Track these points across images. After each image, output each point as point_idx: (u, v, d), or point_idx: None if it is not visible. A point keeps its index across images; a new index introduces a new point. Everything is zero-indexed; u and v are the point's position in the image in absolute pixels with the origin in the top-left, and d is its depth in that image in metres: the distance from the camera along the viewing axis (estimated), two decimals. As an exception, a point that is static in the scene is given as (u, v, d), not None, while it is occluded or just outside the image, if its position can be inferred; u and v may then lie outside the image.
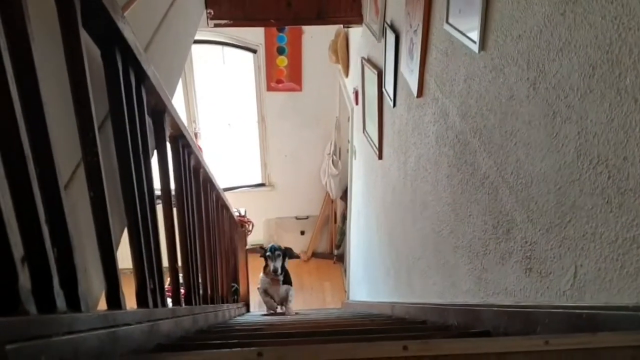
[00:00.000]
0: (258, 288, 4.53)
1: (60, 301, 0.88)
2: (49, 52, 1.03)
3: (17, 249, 0.75)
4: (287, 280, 4.52)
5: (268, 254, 4.34)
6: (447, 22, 1.89)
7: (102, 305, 1.24)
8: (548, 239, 1.24)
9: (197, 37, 3.93)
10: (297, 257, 4.68)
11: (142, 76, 1.40)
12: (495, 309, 1.46)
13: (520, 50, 1.35)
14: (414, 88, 2.34)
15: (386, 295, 3.50)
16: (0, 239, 0.72)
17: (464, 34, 1.72)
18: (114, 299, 1.21)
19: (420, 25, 2.18)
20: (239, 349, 0.75)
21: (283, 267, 4.42)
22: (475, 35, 1.60)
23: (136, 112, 1.37)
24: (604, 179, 1.02)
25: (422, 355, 0.74)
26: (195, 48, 5.70)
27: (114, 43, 1.23)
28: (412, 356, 0.74)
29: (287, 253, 4.47)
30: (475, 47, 1.62)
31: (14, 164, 0.78)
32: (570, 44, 1.11)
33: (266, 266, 4.44)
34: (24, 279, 0.77)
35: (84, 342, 0.90)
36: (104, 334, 1.00)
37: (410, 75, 2.42)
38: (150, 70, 1.43)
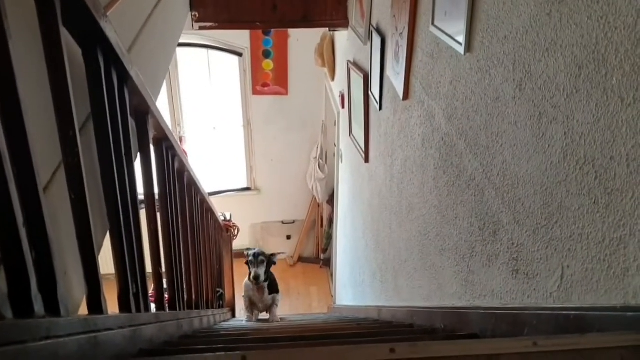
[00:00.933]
0: (243, 296, 4.31)
1: (38, 305, 0.86)
2: (27, 50, 1.00)
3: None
4: (274, 289, 4.29)
5: (250, 259, 4.04)
6: (433, 24, 1.89)
7: (84, 310, 1.21)
8: (535, 241, 1.23)
9: (182, 40, 3.91)
10: (274, 263, 4.20)
11: (124, 76, 1.38)
12: (482, 311, 1.45)
13: (506, 52, 1.35)
14: (400, 91, 2.33)
15: (373, 299, 3.49)
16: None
17: (450, 36, 1.71)
18: (96, 303, 1.18)
19: (406, 28, 2.18)
20: (223, 353, 0.73)
21: (268, 273, 4.12)
22: (461, 37, 1.60)
23: (119, 113, 1.35)
24: (591, 179, 1.02)
25: (410, 358, 0.73)
26: (180, 51, 5.66)
27: (95, 42, 1.21)
28: (400, 359, 0.72)
29: (272, 260, 4.15)
30: (461, 49, 1.61)
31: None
32: (557, 44, 1.11)
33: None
34: (0, 280, 0.74)
35: (63, 348, 0.87)
36: (84, 339, 0.98)
37: (396, 78, 2.42)
38: (133, 70, 1.41)
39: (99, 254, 1.23)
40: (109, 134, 1.30)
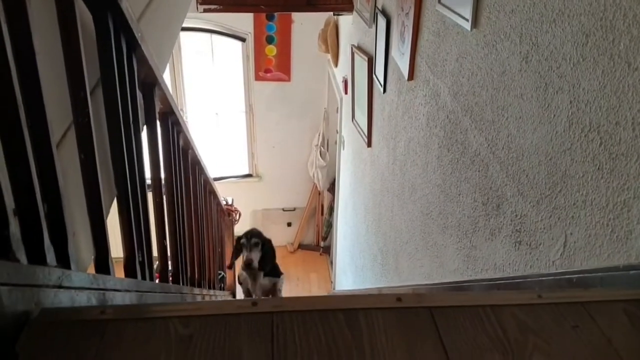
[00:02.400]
0: (238, 277, 3.79)
1: (51, 256, 0.87)
2: (42, 11, 1.01)
3: (8, 196, 0.73)
4: (275, 272, 3.62)
5: (242, 240, 3.36)
6: (439, 2, 1.89)
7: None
8: (538, 211, 1.25)
9: (185, 25, 3.90)
10: (272, 250, 3.52)
11: (134, 44, 1.39)
12: (485, 283, 1.47)
13: (513, 25, 1.35)
14: (405, 71, 2.34)
15: (373, 282, 3.50)
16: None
17: (456, 13, 1.72)
18: (103, 265, 1.20)
19: (412, 8, 2.18)
20: (234, 299, 0.74)
21: (266, 260, 3.41)
22: (467, 12, 1.61)
23: (127, 80, 1.36)
24: (596, 145, 1.03)
25: (416, 307, 0.74)
26: (183, 36, 5.65)
27: (106, 7, 1.21)
28: (406, 307, 0.74)
29: (267, 245, 3.44)
30: (467, 25, 1.62)
31: (6, 113, 0.77)
32: (564, 13, 1.12)
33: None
34: (15, 227, 0.76)
35: (73, 298, 0.89)
36: (93, 294, 0.99)
37: (401, 58, 2.43)
38: (142, 39, 1.41)
39: (106, 218, 1.24)
40: (118, 101, 1.30)
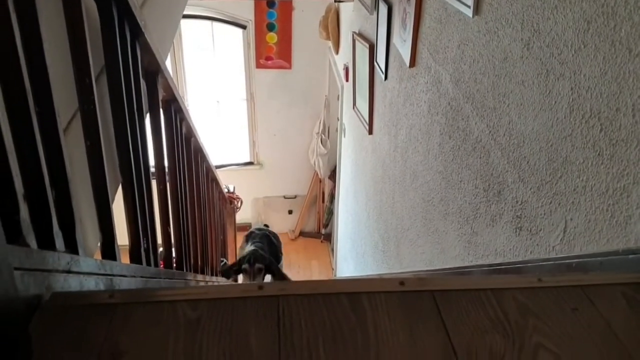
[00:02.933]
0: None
1: (59, 242, 0.89)
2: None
3: (18, 181, 0.75)
4: (276, 274, 3.21)
5: (245, 266, 2.83)
6: (441, -11, 1.89)
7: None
8: (539, 197, 1.26)
9: (186, 12, 3.88)
10: (278, 270, 3.08)
11: (137, 31, 1.39)
12: (486, 268, 1.48)
13: (515, 12, 1.36)
14: (407, 58, 2.34)
15: (374, 269, 3.53)
16: (1, 171, 0.72)
17: (458, 0, 1.72)
18: (110, 251, 1.22)
19: (414, -6, 2.18)
20: (240, 283, 0.76)
21: (277, 278, 3.02)
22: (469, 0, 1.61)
23: (131, 67, 1.37)
24: (596, 132, 1.04)
25: (419, 290, 0.76)
26: (184, 23, 5.64)
27: (110, -6, 1.22)
28: (409, 291, 0.75)
29: (273, 266, 3.00)
30: (469, 12, 1.62)
31: (15, 99, 0.78)
32: (565, 0, 1.12)
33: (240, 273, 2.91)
34: (25, 212, 0.77)
35: (82, 283, 0.90)
36: (101, 279, 1.01)
37: (402, 45, 2.43)
38: (145, 26, 1.42)
39: (112, 205, 1.26)
40: (122, 88, 1.31)
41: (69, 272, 0.86)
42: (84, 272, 0.93)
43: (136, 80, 1.45)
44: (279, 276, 3.08)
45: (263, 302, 0.73)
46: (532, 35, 1.27)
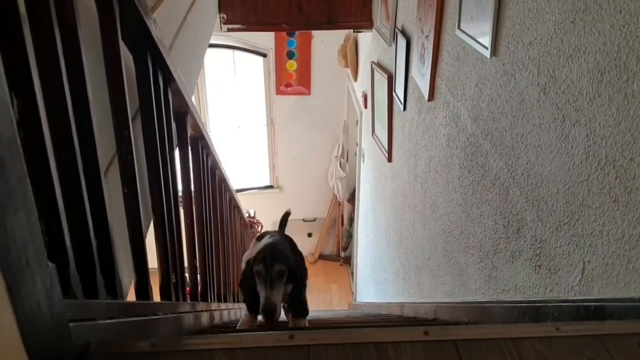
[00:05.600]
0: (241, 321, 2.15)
1: (101, 289, 0.95)
2: (89, 57, 1.09)
3: (68, 237, 0.81)
4: (300, 309, 2.18)
5: (258, 267, 1.84)
6: (459, 28, 1.95)
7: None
8: (557, 237, 1.29)
9: (209, 41, 4.00)
10: (302, 299, 2.17)
11: (169, 78, 1.47)
12: (506, 305, 1.51)
13: (531, 57, 1.41)
14: (425, 92, 2.40)
15: (395, 296, 3.55)
16: (55, 231, 0.78)
17: (475, 40, 1.77)
18: (143, 290, 1.28)
19: (432, 31, 2.24)
20: (271, 332, 0.81)
21: (297, 299, 2.09)
22: (487, 41, 1.66)
23: (163, 112, 1.44)
24: (612, 179, 1.07)
25: (442, 340, 0.80)
26: (206, 52, 5.77)
27: (145, 46, 1.29)
28: (433, 340, 0.80)
29: (298, 273, 2.02)
30: (487, 53, 1.67)
31: (65, 157, 0.85)
32: (580, 50, 1.17)
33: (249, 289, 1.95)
34: (73, 266, 0.83)
35: (122, 325, 0.96)
36: (140, 321, 1.07)
37: (421, 79, 2.48)
38: (176, 73, 1.50)
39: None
40: (155, 130, 1.39)
41: (111, 318, 0.92)
42: (123, 315, 0.99)
43: (168, 121, 1.52)
44: (299, 301, 2.11)
45: (294, 352, 0.77)
46: (548, 80, 1.32)
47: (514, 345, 0.79)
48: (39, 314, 0.58)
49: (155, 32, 1.27)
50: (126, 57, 1.31)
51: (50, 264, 0.60)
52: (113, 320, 0.92)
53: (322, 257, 7.51)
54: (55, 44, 0.79)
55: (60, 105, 0.83)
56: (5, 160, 0.49)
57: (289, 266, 1.91)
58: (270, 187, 7.11)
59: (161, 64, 1.39)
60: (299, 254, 2.31)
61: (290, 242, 2.36)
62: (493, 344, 0.79)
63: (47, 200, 0.76)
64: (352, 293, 6.36)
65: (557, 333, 0.82)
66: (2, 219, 0.48)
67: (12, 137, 0.51)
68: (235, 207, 3.65)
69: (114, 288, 1.01)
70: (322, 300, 6.52)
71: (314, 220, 7.40)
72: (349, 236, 6.92)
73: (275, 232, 2.55)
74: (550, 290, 1.34)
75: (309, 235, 7.47)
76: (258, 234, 2.56)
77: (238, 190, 6.54)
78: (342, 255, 7.35)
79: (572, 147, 1.21)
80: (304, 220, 7.38)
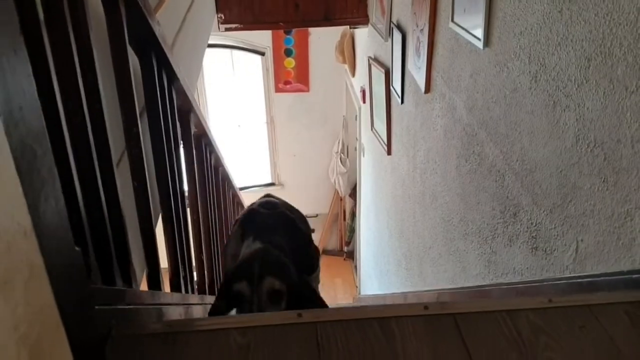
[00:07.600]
0: None
1: (118, 277, 1.00)
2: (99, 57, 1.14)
3: (87, 229, 0.86)
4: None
5: (238, 286, 1.32)
6: (452, 21, 1.99)
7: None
8: (552, 219, 1.35)
9: (207, 41, 4.05)
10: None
11: (173, 78, 1.52)
12: (505, 287, 1.56)
13: (522, 46, 1.46)
14: (422, 84, 2.44)
15: (398, 287, 3.60)
16: (76, 224, 0.83)
17: (469, 32, 1.82)
18: (155, 281, 1.33)
19: (427, 25, 2.29)
20: (280, 311, 0.86)
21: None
22: (479, 32, 1.71)
23: (168, 110, 1.49)
24: (600, 160, 1.12)
25: (441, 314, 0.85)
26: (205, 52, 5.82)
27: (150, 48, 1.34)
28: (433, 314, 0.85)
29: (306, 291, 1.44)
30: (479, 44, 1.72)
31: (80, 150, 0.90)
32: (567, 38, 1.22)
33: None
34: (92, 255, 0.88)
35: (139, 312, 1.01)
36: (154, 309, 1.12)
37: (417, 72, 2.53)
38: (179, 72, 1.55)
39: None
40: (161, 126, 1.44)
41: (128, 304, 0.97)
42: (139, 302, 1.04)
43: (172, 118, 1.57)
44: (311, 302, 1.48)
45: (303, 329, 0.83)
46: (539, 68, 1.37)
47: (509, 316, 0.84)
48: (70, 296, 0.63)
49: (159, 32, 1.32)
50: (131, 57, 1.36)
51: (77, 248, 0.65)
52: (131, 306, 0.98)
53: (325, 252, 7.56)
54: (70, 48, 0.84)
55: (76, 104, 0.88)
56: (37, 153, 0.54)
57: (286, 284, 1.28)
58: (272, 184, 7.16)
59: (165, 64, 1.44)
60: (306, 225, 1.74)
61: (290, 221, 1.80)
62: (489, 316, 0.84)
63: (67, 192, 0.81)
64: (356, 287, 6.42)
65: (550, 304, 0.87)
66: (37, 205, 0.53)
67: (42, 132, 0.56)
68: (239, 204, 3.71)
69: (129, 277, 1.07)
70: (326, 294, 6.55)
71: (316, 216, 7.44)
72: (352, 231, 6.98)
73: (269, 202, 1.89)
74: (546, 271, 1.40)
75: (312, 230, 7.51)
76: (242, 213, 1.86)
77: (240, 189, 6.60)
78: (345, 250, 7.40)
79: (563, 131, 1.26)
80: (306, 216, 7.42)
